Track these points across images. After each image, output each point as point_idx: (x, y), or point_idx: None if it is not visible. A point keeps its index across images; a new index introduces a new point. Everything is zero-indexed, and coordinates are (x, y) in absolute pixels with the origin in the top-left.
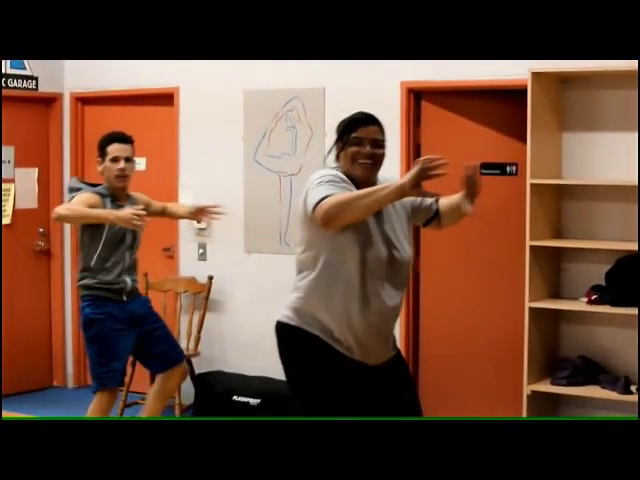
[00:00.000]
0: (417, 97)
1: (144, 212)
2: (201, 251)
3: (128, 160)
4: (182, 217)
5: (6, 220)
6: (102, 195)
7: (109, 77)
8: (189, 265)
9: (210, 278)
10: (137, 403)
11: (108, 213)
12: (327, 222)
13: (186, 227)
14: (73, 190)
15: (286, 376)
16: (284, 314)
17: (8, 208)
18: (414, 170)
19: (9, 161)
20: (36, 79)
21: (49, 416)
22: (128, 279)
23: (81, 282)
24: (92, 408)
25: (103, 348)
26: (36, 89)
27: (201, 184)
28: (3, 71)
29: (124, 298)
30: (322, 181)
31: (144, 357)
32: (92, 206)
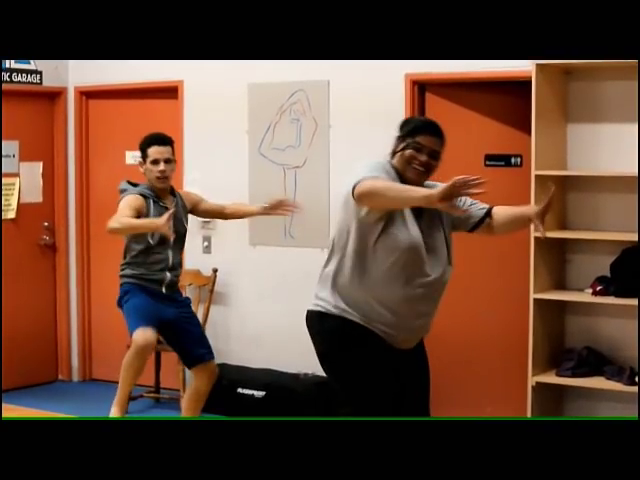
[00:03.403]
0: (421, 89)
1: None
2: (206, 244)
3: (168, 161)
4: (253, 215)
5: (11, 214)
6: (145, 196)
7: (113, 71)
8: (194, 258)
9: (215, 271)
10: (142, 396)
11: (150, 223)
12: (360, 199)
13: (191, 220)
14: (122, 192)
15: (323, 360)
16: (315, 303)
17: (13, 202)
18: (446, 185)
19: (13, 155)
20: (40, 73)
21: (51, 416)
22: (169, 274)
23: (122, 272)
24: (129, 352)
25: (134, 306)
26: (40, 83)
27: (206, 177)
28: (8, 66)
29: (163, 290)
30: (370, 166)
31: (175, 347)
32: (137, 208)
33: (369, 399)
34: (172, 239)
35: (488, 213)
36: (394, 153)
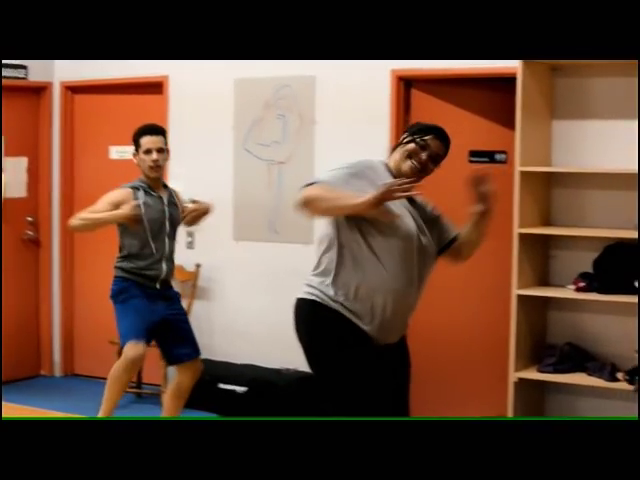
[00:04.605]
0: (407, 85)
1: (139, 209)
2: (189, 239)
3: (160, 151)
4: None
5: None
6: (135, 187)
7: (99, 66)
8: (177, 253)
9: (198, 266)
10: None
11: (111, 215)
12: (300, 207)
13: None
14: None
15: (306, 350)
16: (306, 291)
17: None
18: (379, 190)
19: None
20: (26, 68)
21: (41, 416)
22: (165, 266)
23: (118, 264)
24: (117, 363)
25: (129, 310)
26: (26, 78)
27: (191, 172)
28: None
29: (157, 285)
30: (335, 169)
31: (161, 345)
32: (118, 201)
33: (351, 397)
34: (167, 227)
35: (457, 237)
36: (396, 146)
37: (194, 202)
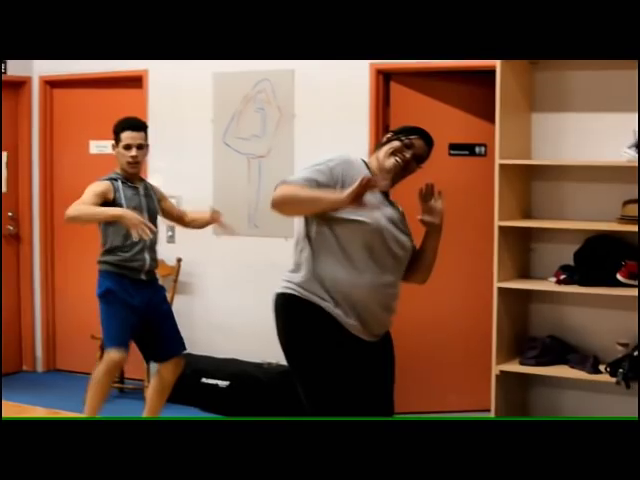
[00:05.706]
0: (386, 78)
1: (154, 227)
2: (170, 233)
3: (140, 147)
4: (208, 224)
5: None
6: (113, 179)
7: (78, 61)
8: (158, 247)
9: (179, 260)
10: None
11: (115, 211)
12: (274, 207)
13: None
14: None
15: (284, 346)
16: (283, 286)
17: None
18: (353, 187)
19: None
20: (5, 63)
21: (23, 416)
22: (148, 257)
23: (102, 258)
24: (98, 367)
25: (114, 312)
26: (5, 72)
27: (170, 167)
28: None
29: (143, 277)
30: (312, 164)
31: (146, 344)
32: (101, 194)
33: (330, 395)
34: (146, 218)
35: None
36: (379, 146)
37: (215, 212)
